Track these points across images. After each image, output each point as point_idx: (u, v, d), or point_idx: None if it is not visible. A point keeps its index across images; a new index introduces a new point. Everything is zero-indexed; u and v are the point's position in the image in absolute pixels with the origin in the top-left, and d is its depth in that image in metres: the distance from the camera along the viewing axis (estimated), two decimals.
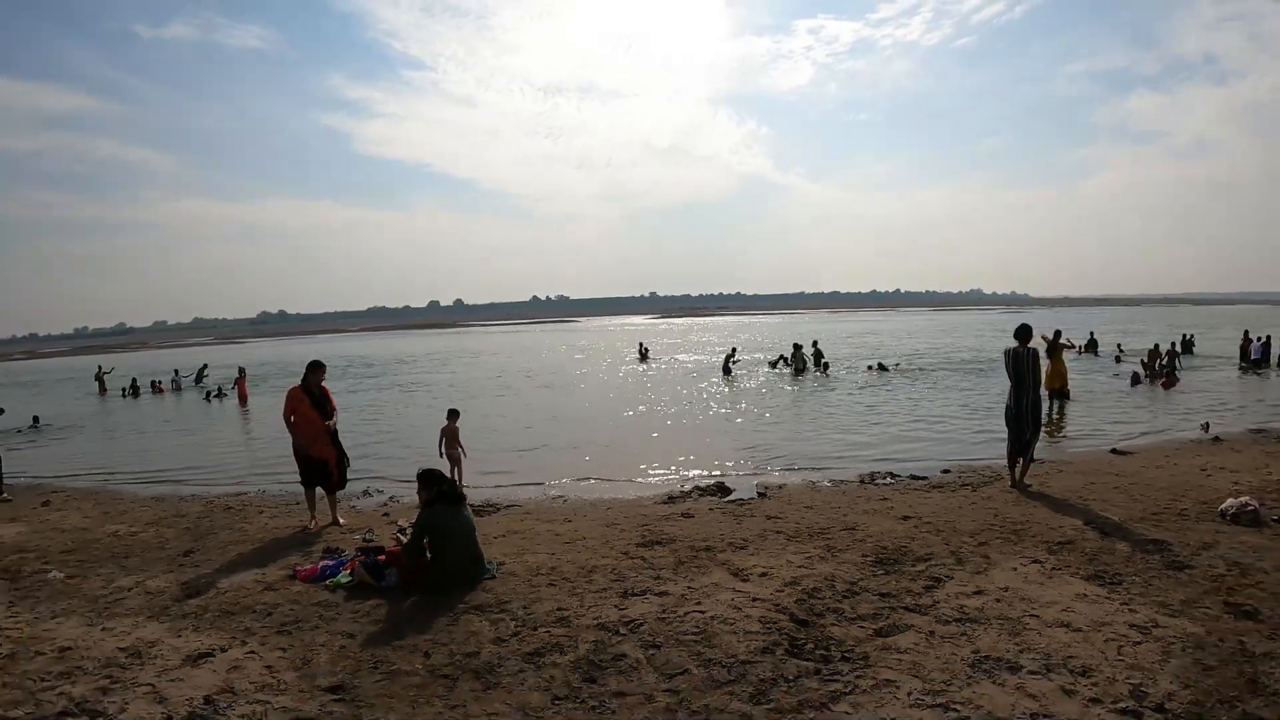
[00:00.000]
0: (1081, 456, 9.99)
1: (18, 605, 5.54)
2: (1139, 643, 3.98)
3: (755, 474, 9.57)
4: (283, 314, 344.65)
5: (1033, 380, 7.76)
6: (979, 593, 4.61)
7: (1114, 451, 10.24)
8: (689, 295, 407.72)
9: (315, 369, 7.37)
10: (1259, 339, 24.72)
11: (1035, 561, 5.25)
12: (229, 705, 3.61)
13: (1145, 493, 7.49)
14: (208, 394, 24.59)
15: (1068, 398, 15.37)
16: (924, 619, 4.24)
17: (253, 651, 4.23)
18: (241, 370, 24.26)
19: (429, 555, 5.09)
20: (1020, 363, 7.71)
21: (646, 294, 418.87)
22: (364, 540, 6.49)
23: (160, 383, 29.08)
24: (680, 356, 35.61)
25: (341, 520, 7.55)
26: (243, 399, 22.72)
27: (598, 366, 31.72)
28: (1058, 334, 15.54)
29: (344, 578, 5.31)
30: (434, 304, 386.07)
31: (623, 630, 4.22)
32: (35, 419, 19.52)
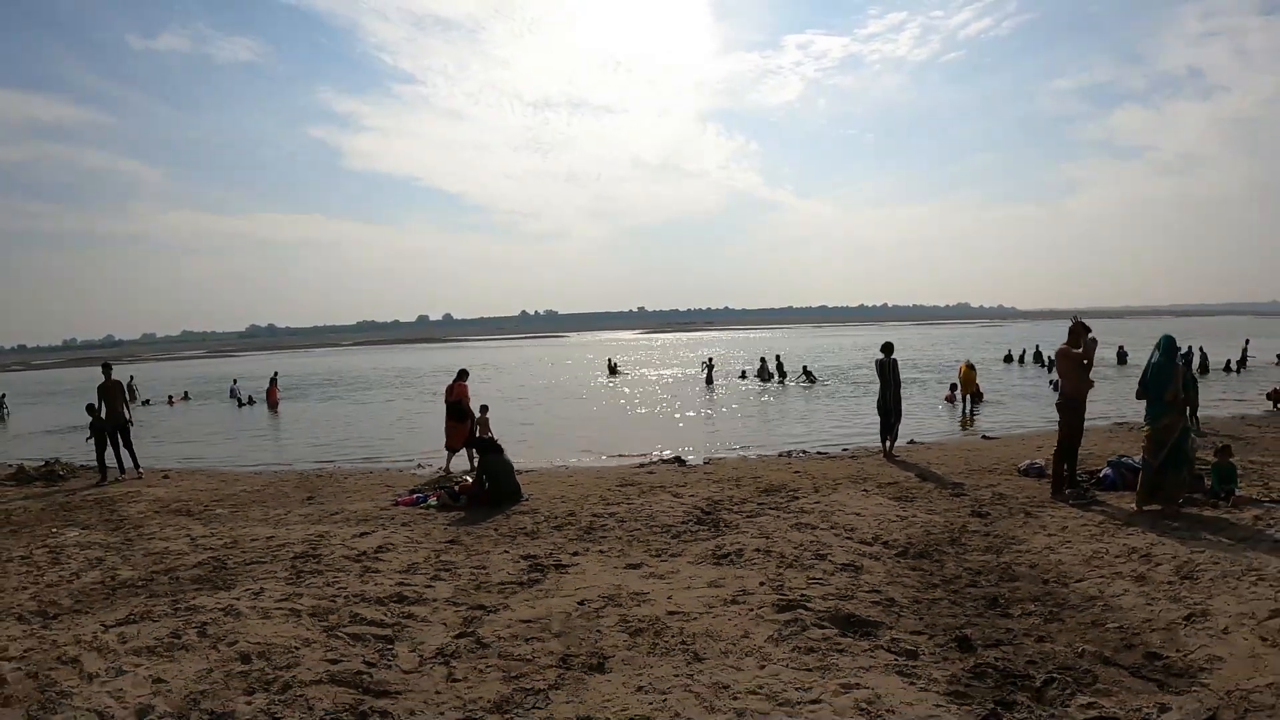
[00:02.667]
0: (956, 439, 13.20)
1: (209, 525, 8.50)
2: (894, 521, 7.09)
3: (706, 452, 12.70)
4: (271, 327, 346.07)
5: (894, 381, 10.91)
6: (816, 503, 7.74)
7: (984, 437, 13.43)
8: (677, 310, 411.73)
9: (466, 374, 11.30)
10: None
11: (864, 491, 8.39)
12: (394, 550, 6.65)
13: (978, 460, 10.62)
14: (240, 401, 27.47)
15: (980, 399, 18.72)
16: (776, 512, 7.37)
17: (393, 532, 7.29)
18: (273, 380, 27.24)
19: (487, 485, 8.20)
20: (884, 369, 10.87)
21: (634, 309, 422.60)
22: (436, 485, 9.54)
23: (174, 397, 30.85)
24: (654, 371, 38.54)
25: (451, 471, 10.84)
26: (273, 405, 25.65)
27: (588, 379, 34.82)
28: (968, 363, 19.30)
29: (432, 502, 8.42)
30: (423, 318, 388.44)
31: (606, 516, 7.36)
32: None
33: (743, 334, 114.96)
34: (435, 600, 5.14)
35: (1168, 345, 7.51)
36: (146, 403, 29.60)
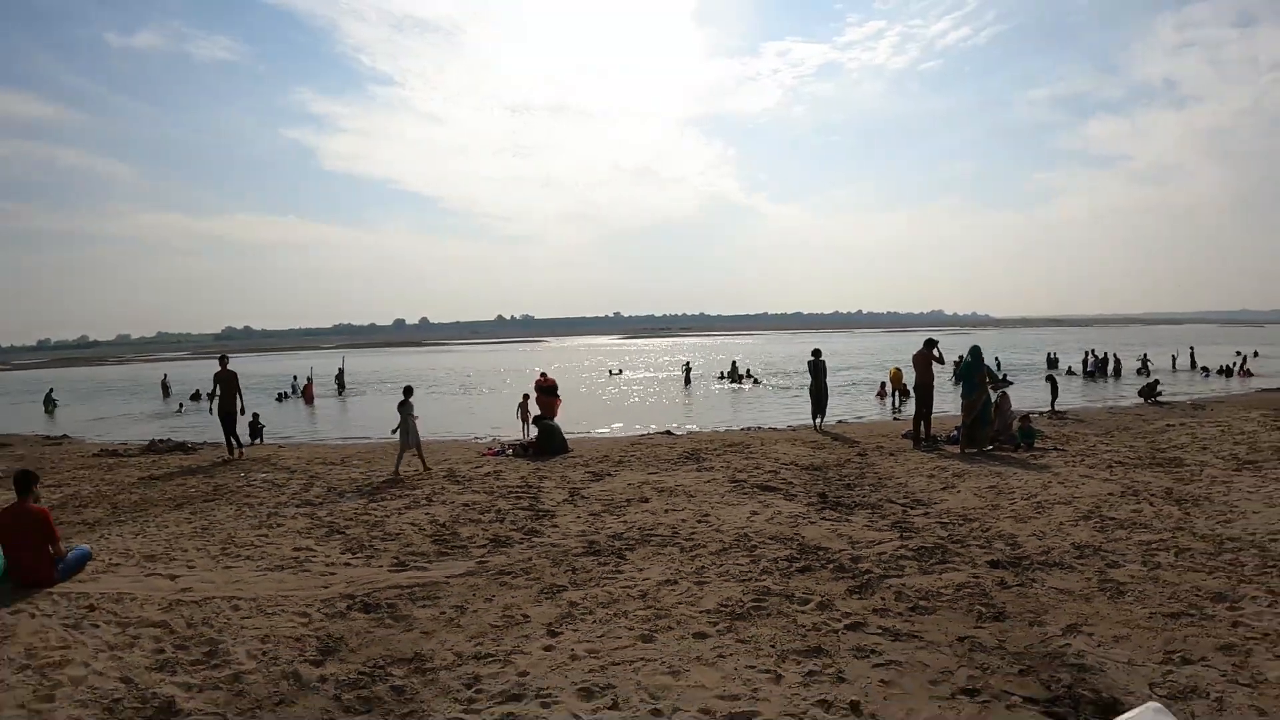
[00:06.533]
0: (876, 421, 17.76)
1: (357, 469, 12.64)
2: (806, 456, 11.52)
3: (688, 427, 17.13)
4: (248, 329, 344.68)
5: (824, 373, 15.36)
6: (762, 450, 12.16)
7: (894, 418, 17.99)
8: (653, 315, 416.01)
9: (546, 375, 14.53)
10: (1097, 356, 33.34)
11: (791, 445, 12.81)
12: (504, 472, 10.91)
13: (879, 431, 15.09)
14: (279, 395, 31.22)
15: (907, 395, 23.32)
16: (738, 453, 11.80)
17: (494, 467, 11.55)
18: (310, 378, 31.15)
19: (543, 442, 12.56)
20: (814, 368, 15.33)
21: (611, 314, 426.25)
22: (503, 446, 13.78)
23: (200, 393, 33.37)
24: (641, 373, 43.39)
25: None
26: (309, 400, 29.51)
27: (589, 379, 39.22)
28: (897, 367, 23.81)
29: (509, 453, 12.70)
30: (399, 322, 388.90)
31: (628, 457, 11.78)
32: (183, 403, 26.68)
33: (719, 340, 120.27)
34: (547, 487, 9.51)
35: (976, 351, 12.10)
36: (181, 407, 32.82)
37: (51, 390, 33.70)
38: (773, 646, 4.34)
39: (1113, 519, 7.40)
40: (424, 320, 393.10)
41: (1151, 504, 7.97)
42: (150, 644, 4.83)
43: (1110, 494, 8.49)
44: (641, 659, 4.20)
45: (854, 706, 3.63)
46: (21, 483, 6.30)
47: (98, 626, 5.15)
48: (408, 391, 12.19)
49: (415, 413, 11.75)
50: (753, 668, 4.06)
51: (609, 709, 3.63)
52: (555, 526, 7.49)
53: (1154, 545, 6.47)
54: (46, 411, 30.43)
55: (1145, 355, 34.72)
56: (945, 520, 7.48)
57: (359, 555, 6.82)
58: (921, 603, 5.07)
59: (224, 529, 8.05)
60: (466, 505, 8.62)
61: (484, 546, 6.91)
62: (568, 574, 5.93)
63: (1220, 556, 6.10)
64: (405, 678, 4.16)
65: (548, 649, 4.42)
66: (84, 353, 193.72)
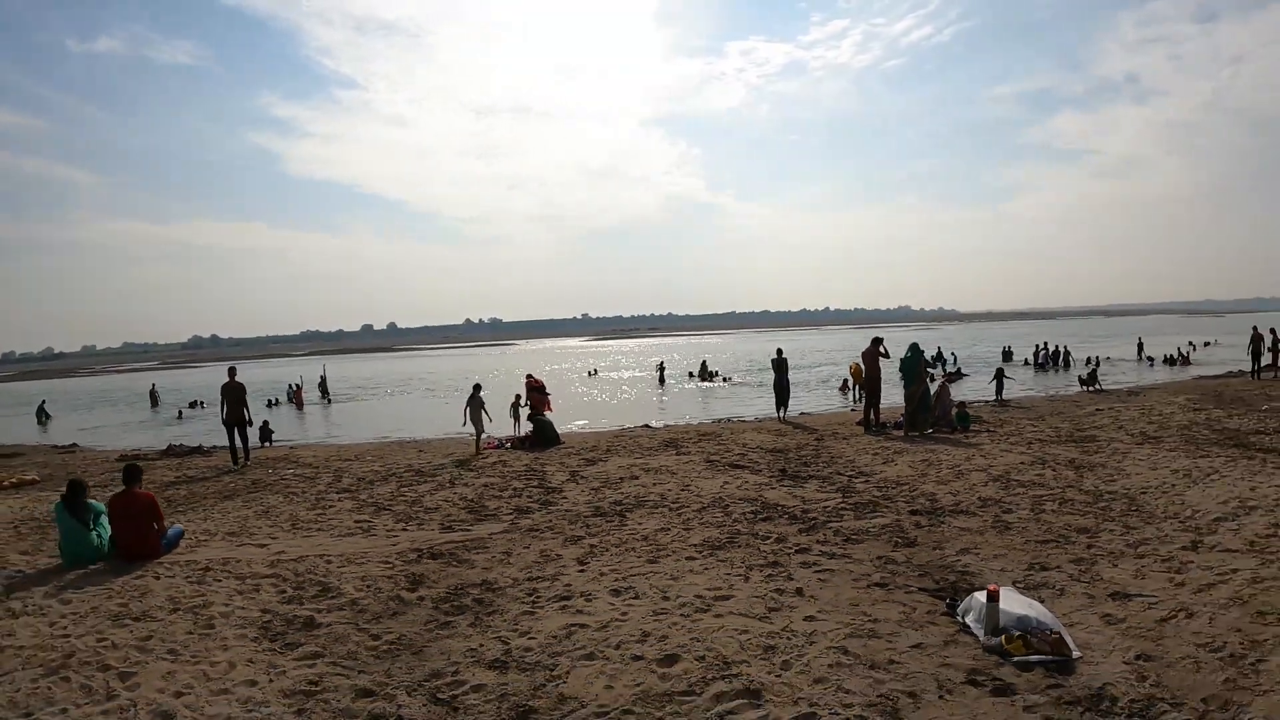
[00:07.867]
0: (834, 413, 19.60)
1: (375, 463, 14.11)
2: (769, 441, 13.26)
3: (664, 422, 18.83)
4: (215, 338, 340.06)
5: (785, 370, 17.16)
6: (731, 438, 13.89)
7: (851, 410, 19.84)
8: (621, 316, 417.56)
9: (534, 376, 16.19)
10: (1047, 349, 35.50)
11: (757, 433, 14.56)
12: (508, 461, 12.50)
13: (837, 420, 16.91)
14: (269, 402, 32.20)
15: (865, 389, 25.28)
16: (711, 441, 13.52)
17: (498, 458, 13.13)
18: (298, 385, 32.27)
19: (538, 435, 14.17)
20: (777, 365, 17.13)
21: (579, 315, 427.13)
22: (501, 440, 15.36)
23: (194, 403, 34.75)
24: (616, 373, 45.12)
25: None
26: (300, 406, 30.63)
27: (571, 380, 40.75)
28: (857, 363, 25.75)
29: (508, 446, 14.28)
30: (367, 327, 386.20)
31: (615, 446, 13.44)
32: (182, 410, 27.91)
33: (688, 339, 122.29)
34: (550, 471, 11.14)
35: (915, 347, 13.95)
36: (180, 415, 33.17)
37: (44, 402, 34.41)
38: (743, 563, 6.08)
39: (1017, 480, 9.21)
40: (392, 325, 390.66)
41: (1054, 470, 9.79)
42: (272, 588, 6.34)
43: (1022, 463, 10.31)
44: (650, 572, 5.92)
45: (798, 591, 5.36)
46: (132, 474, 7.77)
47: (219, 581, 6.62)
48: (477, 388, 14.93)
49: (482, 404, 14.44)
50: (729, 574, 5.80)
51: (633, 599, 5.31)
52: (564, 498, 9.14)
53: (1044, 498, 8.27)
54: (39, 423, 31.00)
55: (1050, 348, 36.09)
56: (881, 485, 9.25)
57: (410, 523, 8.39)
58: (853, 537, 6.83)
59: (283, 511, 9.50)
60: (485, 486, 10.22)
61: (511, 514, 8.53)
62: (583, 528, 7.59)
63: (1096, 505, 7.89)
64: (481, 594, 5.77)
65: (581, 571, 6.11)
66: (52, 364, 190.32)
